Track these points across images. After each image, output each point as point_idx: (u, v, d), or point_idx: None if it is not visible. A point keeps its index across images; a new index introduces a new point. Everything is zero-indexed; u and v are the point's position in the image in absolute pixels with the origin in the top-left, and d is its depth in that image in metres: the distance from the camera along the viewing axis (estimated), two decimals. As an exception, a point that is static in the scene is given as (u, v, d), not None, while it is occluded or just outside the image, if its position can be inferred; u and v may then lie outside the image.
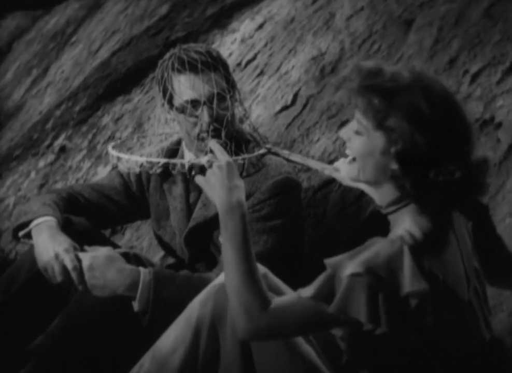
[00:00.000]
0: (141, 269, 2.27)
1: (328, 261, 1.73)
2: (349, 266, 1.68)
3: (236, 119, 2.43)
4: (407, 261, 1.66)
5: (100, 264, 2.24)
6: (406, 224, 1.74)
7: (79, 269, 2.24)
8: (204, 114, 2.32)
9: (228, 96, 2.33)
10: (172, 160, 2.37)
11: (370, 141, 1.74)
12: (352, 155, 1.81)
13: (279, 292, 2.08)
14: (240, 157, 2.35)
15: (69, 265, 2.24)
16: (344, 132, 1.81)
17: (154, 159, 2.36)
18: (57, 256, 2.25)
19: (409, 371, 1.80)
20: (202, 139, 2.36)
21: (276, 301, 1.77)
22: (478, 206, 2.02)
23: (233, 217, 1.83)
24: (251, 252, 1.83)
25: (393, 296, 1.66)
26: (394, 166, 1.72)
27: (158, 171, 2.39)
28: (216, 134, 2.34)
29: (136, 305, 2.24)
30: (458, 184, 1.72)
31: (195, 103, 2.33)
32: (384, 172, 1.74)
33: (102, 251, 2.28)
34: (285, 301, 1.77)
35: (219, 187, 1.86)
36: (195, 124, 2.34)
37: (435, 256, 1.71)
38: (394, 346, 1.77)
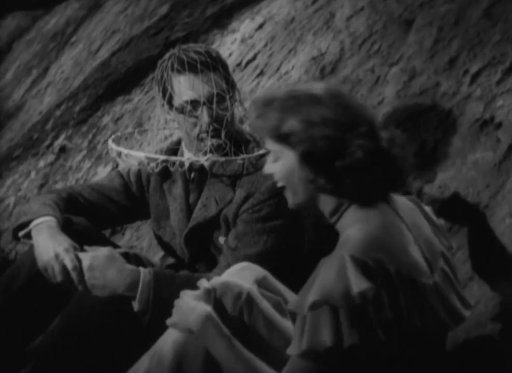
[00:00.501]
0: (141, 269, 2.27)
1: (291, 306, 1.77)
2: (307, 300, 1.71)
3: (236, 120, 2.43)
4: (349, 266, 1.69)
5: (100, 264, 2.24)
6: (347, 228, 1.79)
7: (79, 269, 2.25)
8: (204, 115, 2.32)
9: (227, 96, 2.33)
10: (171, 158, 2.37)
11: (285, 160, 1.82)
12: (281, 184, 1.86)
13: (278, 294, 2.09)
14: (239, 157, 2.35)
15: (69, 265, 2.24)
16: (266, 169, 1.89)
17: (154, 156, 2.36)
18: (57, 256, 2.25)
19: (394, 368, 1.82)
20: (202, 139, 2.36)
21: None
22: (475, 213, 2.04)
23: (210, 330, 1.89)
24: (241, 352, 1.87)
25: (352, 306, 1.68)
26: (311, 174, 1.79)
27: (157, 169, 2.39)
28: (215, 135, 2.35)
29: (136, 305, 2.24)
30: (375, 167, 1.78)
31: (194, 103, 2.33)
32: (307, 184, 1.81)
33: (102, 251, 2.28)
34: None
35: (186, 309, 1.95)
36: (195, 124, 2.34)
37: (381, 249, 1.74)
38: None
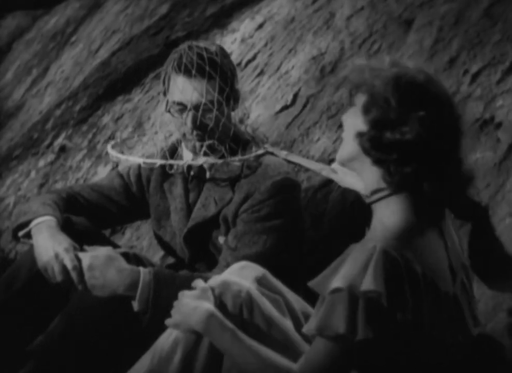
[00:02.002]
0: (141, 269, 2.27)
1: (312, 283, 1.76)
2: (329, 283, 1.71)
3: (230, 122, 2.41)
4: (373, 261, 1.68)
5: (100, 264, 2.24)
6: (385, 217, 1.77)
7: (79, 269, 2.24)
8: (188, 120, 2.32)
9: (214, 109, 2.31)
10: (170, 161, 2.37)
11: (356, 115, 1.79)
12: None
13: (278, 293, 2.09)
14: (237, 159, 2.35)
15: (69, 265, 2.24)
16: (343, 119, 1.86)
17: (151, 160, 2.36)
18: (57, 256, 2.25)
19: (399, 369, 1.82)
20: (188, 140, 2.36)
21: (299, 361, 1.80)
22: (477, 208, 2.03)
23: (214, 326, 1.90)
24: (248, 342, 1.87)
25: (371, 299, 1.68)
26: (364, 127, 1.76)
27: (158, 164, 2.39)
28: (200, 139, 2.35)
29: (135, 305, 2.24)
30: (434, 172, 1.74)
31: (181, 106, 2.33)
32: (354, 133, 1.79)
33: (102, 251, 2.28)
34: (306, 356, 1.79)
35: (187, 310, 1.94)
36: (182, 124, 2.35)
37: (413, 249, 1.72)
38: (382, 348, 1.77)
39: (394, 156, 1.73)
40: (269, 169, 2.36)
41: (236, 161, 2.34)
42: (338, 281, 1.69)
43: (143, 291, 2.23)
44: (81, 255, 2.27)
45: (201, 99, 2.30)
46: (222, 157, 2.38)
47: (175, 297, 2.00)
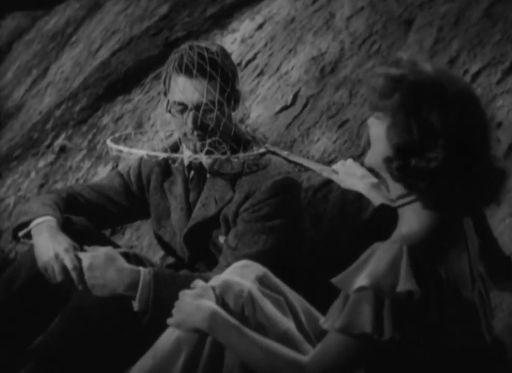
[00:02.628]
0: (141, 268, 2.27)
1: (335, 280, 1.74)
2: (354, 281, 1.70)
3: (231, 122, 2.41)
4: (404, 262, 1.67)
5: (100, 264, 2.24)
6: (412, 220, 1.75)
7: (79, 269, 2.24)
8: (188, 120, 2.32)
9: (215, 109, 2.31)
10: (173, 155, 2.37)
11: (382, 126, 1.75)
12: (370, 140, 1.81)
13: (279, 292, 2.08)
14: (239, 155, 2.35)
15: (69, 265, 2.24)
16: (370, 121, 1.81)
17: (154, 153, 2.36)
18: (57, 256, 2.25)
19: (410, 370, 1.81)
20: (189, 140, 2.36)
21: (310, 354, 1.79)
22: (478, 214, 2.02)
23: (218, 324, 1.89)
24: (254, 337, 1.86)
25: (398, 300, 1.67)
26: (390, 152, 1.73)
27: (160, 159, 2.40)
28: (200, 139, 2.35)
29: (135, 305, 2.24)
30: (466, 186, 1.72)
31: (182, 106, 2.33)
32: (379, 157, 1.76)
33: (102, 251, 2.28)
34: (318, 349, 1.78)
35: (190, 309, 1.93)
36: (182, 124, 2.35)
37: (439, 254, 1.71)
38: (400, 349, 1.77)
39: (422, 184, 1.70)
40: (269, 169, 2.36)
41: (238, 158, 2.34)
42: (363, 280, 1.68)
43: (143, 291, 2.23)
44: (81, 255, 2.27)
45: (202, 99, 2.30)
46: (226, 153, 2.38)
47: (175, 297, 2.00)
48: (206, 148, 2.34)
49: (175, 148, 2.52)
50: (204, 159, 2.37)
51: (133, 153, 2.36)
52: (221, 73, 2.31)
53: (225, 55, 2.38)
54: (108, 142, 2.45)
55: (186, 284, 2.12)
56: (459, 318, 1.75)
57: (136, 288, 2.23)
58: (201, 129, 2.33)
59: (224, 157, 2.35)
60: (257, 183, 2.34)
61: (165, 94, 2.38)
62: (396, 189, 1.78)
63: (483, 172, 1.72)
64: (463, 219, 1.80)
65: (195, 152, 2.38)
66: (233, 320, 1.90)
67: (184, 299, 1.98)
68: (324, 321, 1.77)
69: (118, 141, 2.54)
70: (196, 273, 2.34)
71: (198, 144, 2.35)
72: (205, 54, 2.31)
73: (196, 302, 1.95)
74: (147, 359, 2.00)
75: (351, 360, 1.74)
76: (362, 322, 1.68)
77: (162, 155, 2.36)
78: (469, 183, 1.71)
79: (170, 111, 2.37)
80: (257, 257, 2.25)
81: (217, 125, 2.32)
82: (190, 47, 2.34)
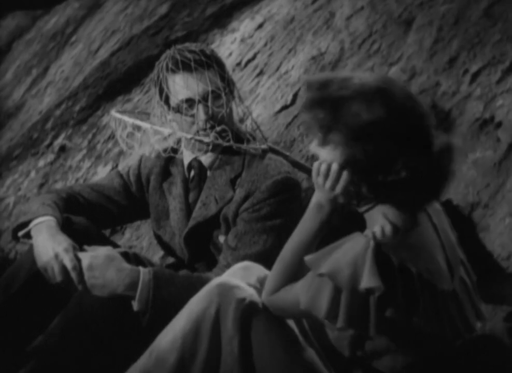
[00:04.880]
0: (141, 268, 2.27)
1: (308, 259, 1.80)
2: (321, 264, 1.75)
3: (233, 117, 2.43)
4: (368, 258, 1.70)
5: (99, 264, 2.24)
6: (379, 219, 1.79)
7: (79, 269, 2.24)
8: (199, 112, 2.33)
9: (223, 93, 2.34)
10: (178, 133, 2.36)
11: (328, 155, 1.80)
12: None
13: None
14: (243, 146, 2.35)
15: (69, 265, 2.24)
16: (312, 147, 1.86)
17: (160, 128, 2.36)
18: (56, 256, 2.25)
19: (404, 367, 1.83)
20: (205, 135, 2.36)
21: (282, 290, 1.89)
22: (460, 215, 2.04)
23: (319, 213, 1.87)
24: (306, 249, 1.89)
25: (356, 293, 1.71)
26: (354, 176, 1.78)
27: (166, 154, 2.40)
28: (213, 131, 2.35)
29: (135, 305, 2.24)
30: (421, 179, 1.75)
31: (190, 102, 2.34)
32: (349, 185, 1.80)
33: (102, 251, 2.28)
34: (284, 293, 1.89)
35: (320, 188, 1.87)
36: (192, 123, 2.35)
37: (408, 249, 1.74)
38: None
39: (399, 195, 1.75)
40: (269, 168, 2.36)
41: (242, 147, 2.34)
42: (326, 267, 1.73)
43: (143, 291, 2.23)
44: (80, 255, 2.27)
45: (207, 88, 2.32)
46: (226, 151, 2.38)
47: (175, 297, 2.00)
48: (213, 133, 2.34)
49: (174, 150, 2.52)
50: (208, 141, 2.36)
51: (138, 125, 2.36)
52: (215, 61, 2.34)
53: (209, 47, 2.44)
54: (113, 112, 2.45)
55: (186, 284, 2.12)
56: (437, 310, 1.77)
57: (136, 288, 2.23)
58: (214, 118, 2.34)
59: (227, 144, 2.35)
60: (257, 182, 2.35)
61: (166, 102, 2.37)
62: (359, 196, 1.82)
63: (433, 163, 1.76)
64: (429, 212, 1.83)
65: (206, 151, 2.39)
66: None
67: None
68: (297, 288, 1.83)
69: (120, 123, 2.52)
70: (196, 273, 2.33)
71: (213, 136, 2.36)
72: (194, 48, 2.36)
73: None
74: (143, 360, 2.01)
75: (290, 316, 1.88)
76: (320, 306, 1.75)
77: (167, 131, 2.36)
78: (423, 176, 1.75)
79: (179, 111, 2.36)
80: (257, 257, 2.25)
81: (227, 111, 2.35)
82: (177, 49, 2.37)
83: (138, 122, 2.37)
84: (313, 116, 1.78)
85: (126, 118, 2.39)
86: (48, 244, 2.29)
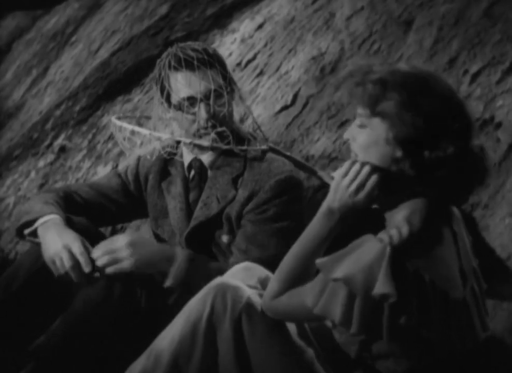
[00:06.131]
0: (177, 247, 2.32)
1: (319, 262, 1.77)
2: (334, 269, 1.72)
3: (234, 117, 2.43)
4: (384, 264, 1.68)
5: (139, 240, 2.27)
6: (398, 222, 1.76)
7: (86, 254, 2.26)
8: (201, 111, 2.33)
9: (225, 92, 2.34)
10: (177, 138, 2.37)
11: (373, 131, 1.76)
12: (357, 152, 1.80)
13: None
14: (243, 148, 2.36)
15: (77, 250, 2.26)
16: (348, 133, 1.82)
17: (158, 134, 2.36)
18: (65, 246, 2.27)
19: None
20: (201, 136, 2.36)
21: (286, 294, 1.86)
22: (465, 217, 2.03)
23: (329, 221, 1.84)
24: (314, 256, 1.87)
25: (369, 299, 1.69)
26: (398, 153, 1.73)
27: (164, 154, 2.41)
28: (213, 130, 2.35)
29: (168, 281, 2.25)
30: (457, 171, 1.73)
31: (191, 100, 2.34)
32: (387, 160, 1.75)
33: (129, 235, 2.30)
34: (284, 299, 1.85)
35: (341, 190, 1.83)
36: (193, 121, 2.35)
37: (424, 255, 1.72)
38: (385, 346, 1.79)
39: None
40: (272, 167, 2.36)
41: (242, 149, 2.35)
42: (340, 272, 1.70)
43: (179, 268, 2.25)
44: (115, 237, 2.28)
45: (209, 86, 2.33)
46: (227, 150, 2.39)
47: (204, 280, 2.02)
48: (212, 135, 2.34)
49: (169, 153, 2.52)
50: (208, 145, 2.37)
51: (136, 131, 2.37)
52: (217, 60, 2.36)
53: (210, 46, 2.44)
54: (113, 119, 2.45)
55: (216, 273, 2.14)
56: (448, 319, 1.76)
57: (172, 264, 2.25)
58: (215, 117, 2.34)
59: (227, 147, 2.35)
60: (261, 182, 2.35)
61: (168, 100, 2.38)
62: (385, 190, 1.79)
63: (472, 158, 1.75)
64: (449, 216, 1.80)
65: (207, 150, 2.39)
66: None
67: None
68: (307, 299, 1.81)
69: (121, 128, 2.53)
70: (225, 265, 2.34)
71: (213, 135, 2.36)
72: (197, 47, 2.36)
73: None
74: (142, 359, 2.01)
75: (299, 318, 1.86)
76: (334, 311, 1.72)
77: (165, 136, 2.37)
78: (463, 169, 1.74)
79: (180, 109, 2.36)
80: (269, 262, 2.24)
81: (228, 110, 2.36)
82: (179, 47, 2.37)
83: (137, 128, 2.37)
84: (363, 88, 1.75)
85: (125, 125, 2.40)
86: (56, 238, 2.30)
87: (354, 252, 1.72)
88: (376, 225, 1.82)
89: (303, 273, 1.86)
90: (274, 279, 1.90)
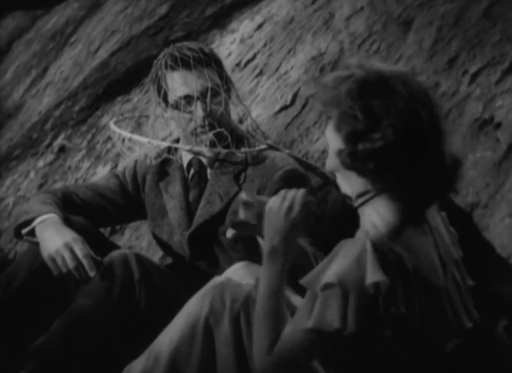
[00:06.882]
0: None
1: (303, 281, 1.78)
2: (320, 280, 1.73)
3: (232, 116, 2.43)
4: (369, 256, 1.70)
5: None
6: (372, 217, 1.78)
7: (90, 256, 2.26)
8: (198, 109, 2.35)
9: (221, 90, 2.35)
10: (175, 145, 2.37)
11: (330, 132, 1.80)
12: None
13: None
14: (241, 150, 2.36)
15: (80, 252, 2.26)
16: (326, 133, 1.85)
17: (157, 141, 2.37)
18: (66, 244, 2.27)
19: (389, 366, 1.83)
20: (197, 135, 2.37)
21: (281, 340, 1.81)
22: (461, 215, 2.04)
23: (275, 262, 1.88)
24: (281, 299, 1.87)
25: (363, 294, 1.70)
26: (342, 145, 1.77)
27: (160, 159, 2.40)
28: (211, 129, 2.36)
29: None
30: (421, 174, 1.74)
31: (188, 99, 2.35)
32: (337, 154, 1.79)
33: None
34: (284, 340, 1.80)
35: (274, 218, 1.89)
36: (190, 120, 2.36)
37: (403, 246, 1.74)
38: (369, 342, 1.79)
39: (371, 166, 1.73)
40: (277, 161, 2.38)
41: (240, 152, 2.35)
42: (330, 277, 1.71)
43: None
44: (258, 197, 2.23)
45: (206, 85, 2.34)
46: (226, 148, 2.39)
47: None
48: (210, 136, 2.34)
49: (170, 151, 2.52)
50: (206, 151, 2.37)
51: (135, 138, 2.37)
52: (213, 59, 2.37)
53: (206, 46, 2.45)
54: (111, 125, 2.45)
55: None
56: (432, 306, 1.77)
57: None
58: (212, 115, 2.35)
59: (225, 151, 2.36)
60: (268, 175, 2.36)
61: (165, 100, 2.38)
62: (355, 188, 1.81)
63: (436, 161, 1.75)
64: (424, 210, 1.82)
65: (205, 146, 2.39)
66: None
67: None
68: (294, 321, 1.78)
69: (121, 124, 2.53)
70: None
71: (211, 135, 2.36)
72: (193, 46, 2.38)
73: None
74: (141, 360, 2.01)
75: (312, 354, 1.78)
76: (331, 319, 1.71)
77: (164, 144, 2.37)
78: (424, 171, 1.74)
79: (177, 108, 2.37)
80: None
81: (225, 109, 2.37)
82: (176, 47, 2.38)
83: (136, 137, 2.38)
84: (332, 93, 1.78)
85: (124, 133, 2.40)
86: (55, 236, 2.31)
87: (336, 257, 1.74)
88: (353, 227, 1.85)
89: (283, 310, 1.86)
90: (258, 335, 1.85)
